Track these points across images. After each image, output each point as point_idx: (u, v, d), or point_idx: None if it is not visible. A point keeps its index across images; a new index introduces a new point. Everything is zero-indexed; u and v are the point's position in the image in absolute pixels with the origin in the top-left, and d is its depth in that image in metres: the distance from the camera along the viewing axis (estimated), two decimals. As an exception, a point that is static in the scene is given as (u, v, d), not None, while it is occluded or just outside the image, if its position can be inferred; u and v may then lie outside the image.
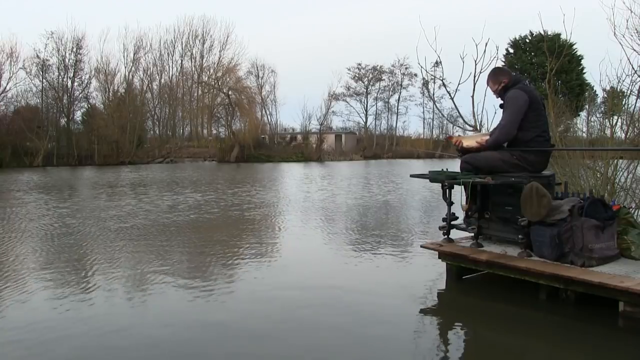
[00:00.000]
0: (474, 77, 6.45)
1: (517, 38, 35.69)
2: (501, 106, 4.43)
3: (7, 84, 31.99)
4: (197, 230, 7.47)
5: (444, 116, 44.41)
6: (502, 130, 4.20)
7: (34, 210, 9.54)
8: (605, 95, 7.24)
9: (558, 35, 13.85)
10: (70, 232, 7.09)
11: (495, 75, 4.43)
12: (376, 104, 57.78)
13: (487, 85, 4.51)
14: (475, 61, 6.39)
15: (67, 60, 34.78)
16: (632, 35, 6.11)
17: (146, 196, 12.14)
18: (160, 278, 4.62)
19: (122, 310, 3.82)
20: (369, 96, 57.08)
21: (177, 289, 4.30)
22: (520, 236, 4.01)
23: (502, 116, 4.26)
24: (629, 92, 6.45)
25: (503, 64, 33.59)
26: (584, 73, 31.75)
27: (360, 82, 56.75)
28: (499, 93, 4.37)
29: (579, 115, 10.47)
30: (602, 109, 8.59)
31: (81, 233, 6.97)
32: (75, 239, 6.56)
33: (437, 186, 4.63)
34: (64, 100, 34.81)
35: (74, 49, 34.88)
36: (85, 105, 36.52)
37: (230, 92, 41.07)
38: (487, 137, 4.35)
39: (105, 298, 4.05)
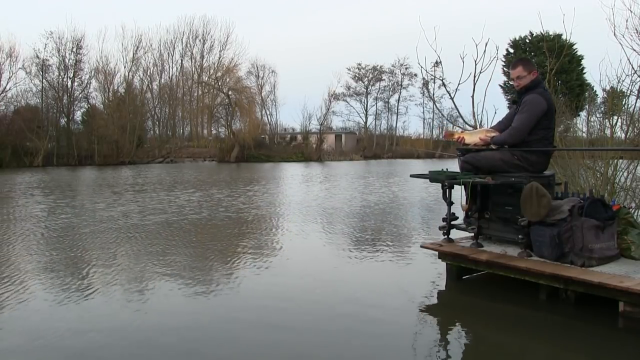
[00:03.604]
0: (474, 77, 6.45)
1: (517, 38, 35.69)
2: (514, 102, 4.40)
3: (7, 84, 32.05)
4: (198, 229, 7.47)
5: (444, 116, 44.41)
6: (513, 133, 4.15)
7: (34, 210, 9.54)
8: (605, 95, 7.24)
9: (559, 35, 13.85)
10: (73, 231, 7.11)
11: (526, 64, 4.27)
12: (376, 104, 57.91)
13: (514, 68, 4.29)
14: (475, 61, 6.38)
15: (67, 60, 34.84)
16: (632, 35, 6.11)
17: (148, 196, 12.14)
18: (164, 277, 4.62)
19: (123, 308, 3.81)
20: (369, 96, 57.20)
21: (179, 288, 4.30)
22: (520, 236, 4.02)
23: (517, 118, 4.18)
24: (629, 92, 6.45)
25: (503, 64, 33.61)
26: (584, 73, 31.74)
27: (360, 82, 56.84)
28: (519, 87, 4.28)
29: (579, 115, 10.47)
30: (602, 109, 8.59)
31: (84, 233, 6.99)
32: (77, 239, 6.57)
33: (437, 186, 4.62)
34: (64, 100, 34.80)
35: (74, 49, 34.94)
36: (85, 105, 36.59)
37: (230, 92, 41.09)
38: (493, 134, 4.29)
39: (105, 298, 4.05)
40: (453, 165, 4.81)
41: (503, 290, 4.16)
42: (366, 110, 57.07)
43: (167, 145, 40.80)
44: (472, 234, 4.45)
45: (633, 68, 6.07)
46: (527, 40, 35.06)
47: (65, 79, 34.94)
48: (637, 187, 6.13)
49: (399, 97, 57.54)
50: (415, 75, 53.68)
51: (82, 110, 36.51)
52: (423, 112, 59.58)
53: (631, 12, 6.11)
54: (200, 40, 46.85)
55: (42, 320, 3.55)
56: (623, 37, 6.02)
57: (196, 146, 43.34)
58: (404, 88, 57.10)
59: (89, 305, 3.87)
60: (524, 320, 3.59)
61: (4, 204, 10.90)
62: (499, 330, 3.49)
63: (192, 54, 47.11)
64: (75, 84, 35.32)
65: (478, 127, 7.15)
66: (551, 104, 4.19)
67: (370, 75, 56.77)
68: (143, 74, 42.84)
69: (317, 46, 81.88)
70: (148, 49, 43.73)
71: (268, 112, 49.63)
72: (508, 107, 4.45)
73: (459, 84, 6.72)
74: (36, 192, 13.48)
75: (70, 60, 34.96)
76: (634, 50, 6.07)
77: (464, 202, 4.25)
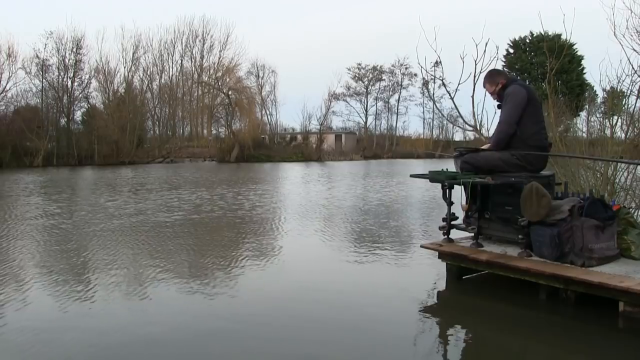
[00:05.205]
0: (474, 77, 6.46)
1: (517, 38, 35.72)
2: (499, 107, 4.44)
3: (6, 84, 32.01)
4: (200, 229, 7.48)
5: (444, 116, 44.41)
6: (502, 127, 4.20)
7: (51, 207, 9.56)
8: (605, 95, 7.24)
9: (559, 35, 13.85)
10: (96, 227, 7.23)
11: (491, 77, 4.45)
12: (376, 104, 57.84)
13: (484, 87, 4.52)
14: (475, 61, 6.40)
15: (67, 60, 34.77)
16: (632, 35, 6.13)
17: (160, 194, 12.16)
18: (167, 276, 4.63)
19: (124, 309, 3.81)
20: (369, 96, 57.15)
21: (180, 288, 4.30)
22: (520, 236, 4.01)
23: (501, 111, 4.26)
24: (629, 92, 6.46)
25: (503, 64, 33.68)
26: (584, 73, 31.79)
27: (360, 82, 56.79)
28: (498, 93, 4.37)
29: (579, 115, 10.47)
30: (602, 109, 8.58)
31: (106, 229, 7.07)
32: (102, 235, 6.64)
33: (437, 186, 4.63)
34: (64, 100, 34.76)
35: (74, 49, 34.86)
36: (85, 105, 36.53)
37: (230, 92, 41.08)
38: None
39: (106, 298, 4.04)
40: (453, 166, 4.82)
41: (503, 290, 4.16)
42: (366, 110, 57.11)
43: (167, 145, 40.76)
44: (472, 234, 4.45)
45: (633, 68, 6.08)
46: (527, 40, 35.09)
47: (65, 79, 34.91)
48: (637, 187, 6.13)
49: (399, 97, 57.55)
50: (415, 75, 53.67)
51: (82, 110, 36.51)
52: (423, 112, 59.57)
53: (631, 12, 6.13)
54: (200, 40, 46.80)
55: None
56: (623, 37, 6.04)
57: (196, 146, 43.30)
58: (404, 88, 57.11)
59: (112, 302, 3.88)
60: (524, 320, 3.59)
61: (21, 202, 10.97)
62: (499, 330, 3.49)
63: (192, 54, 47.07)
64: (75, 84, 35.27)
65: (478, 127, 7.16)
66: (532, 93, 4.24)
67: (370, 75, 56.77)
68: (143, 74, 42.84)
69: (317, 46, 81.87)
70: (148, 48, 43.76)
71: (268, 112, 49.72)
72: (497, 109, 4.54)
73: (459, 84, 6.73)
74: (49, 191, 13.79)
75: (70, 60, 34.92)
76: (634, 50, 6.08)
77: (464, 202, 4.25)
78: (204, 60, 46.75)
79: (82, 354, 2.99)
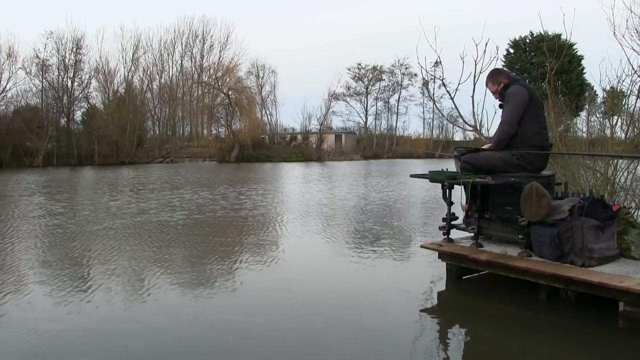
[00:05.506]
0: (474, 77, 6.46)
1: (517, 38, 35.70)
2: (501, 106, 4.46)
3: (6, 84, 32.00)
4: (203, 229, 7.49)
5: (444, 116, 44.45)
6: (503, 127, 4.21)
7: (39, 209, 9.56)
8: (605, 95, 7.25)
9: (558, 35, 13.87)
10: (98, 226, 7.24)
11: (494, 77, 4.47)
12: (376, 104, 57.89)
13: (486, 87, 4.55)
14: (475, 61, 6.40)
15: (67, 60, 34.76)
16: (632, 35, 6.14)
17: (165, 194, 12.17)
18: (171, 276, 4.64)
19: (124, 308, 3.82)
20: (369, 96, 57.18)
21: (184, 288, 4.31)
22: (520, 236, 4.02)
23: (503, 111, 4.29)
24: (629, 92, 6.47)
25: (503, 64, 33.66)
26: (584, 73, 31.76)
27: (360, 82, 56.83)
28: (500, 93, 4.40)
29: (579, 115, 10.48)
30: (602, 109, 8.59)
31: (109, 228, 7.11)
32: (84, 238, 6.61)
33: (437, 186, 4.63)
34: (64, 100, 34.76)
35: (74, 49, 34.86)
36: (85, 105, 36.53)
37: (230, 92, 41.08)
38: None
39: (107, 298, 4.05)
40: (452, 166, 4.83)
41: (503, 290, 4.16)
42: (366, 110, 57.13)
43: (167, 145, 40.75)
44: (472, 234, 4.45)
45: (633, 68, 6.09)
46: (527, 40, 35.07)
47: (65, 79, 34.90)
48: (637, 187, 6.13)
49: (399, 97, 57.58)
50: (415, 75, 53.70)
51: (82, 110, 36.52)
52: (423, 112, 59.60)
53: (631, 12, 6.14)
54: (200, 40, 46.79)
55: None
56: (623, 37, 6.05)
57: (196, 146, 43.30)
58: (404, 88, 57.15)
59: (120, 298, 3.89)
60: (524, 320, 3.59)
61: (24, 202, 10.99)
62: (499, 330, 3.49)
63: (192, 54, 47.06)
64: (75, 84, 35.27)
65: (478, 127, 7.17)
66: (533, 92, 4.26)
67: (370, 75, 56.80)
68: (143, 74, 42.86)
69: (317, 46, 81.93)
70: (148, 48, 43.80)
71: (268, 112, 49.76)
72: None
73: (459, 84, 6.74)
74: (51, 191, 13.89)
75: (70, 60, 34.91)
76: (634, 50, 6.09)
77: (464, 202, 4.25)
78: (204, 60, 46.82)
79: (85, 354, 3.00)
